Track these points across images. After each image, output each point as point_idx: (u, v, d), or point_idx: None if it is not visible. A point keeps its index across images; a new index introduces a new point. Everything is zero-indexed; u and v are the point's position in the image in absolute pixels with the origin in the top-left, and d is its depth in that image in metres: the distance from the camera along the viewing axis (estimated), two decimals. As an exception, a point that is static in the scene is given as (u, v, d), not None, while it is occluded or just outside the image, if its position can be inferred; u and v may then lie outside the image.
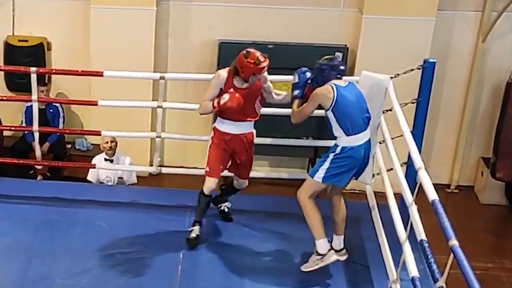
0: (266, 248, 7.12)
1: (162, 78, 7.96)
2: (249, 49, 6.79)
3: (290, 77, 8.84)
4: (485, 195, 11.01)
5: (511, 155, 10.28)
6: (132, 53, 10.43)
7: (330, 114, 6.35)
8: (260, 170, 11.06)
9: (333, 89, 6.32)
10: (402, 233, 6.03)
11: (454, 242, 4.91)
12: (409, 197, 5.82)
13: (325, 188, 6.51)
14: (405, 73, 7.45)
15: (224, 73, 6.86)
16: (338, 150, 6.39)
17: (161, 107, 8.02)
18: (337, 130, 6.38)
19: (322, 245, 6.50)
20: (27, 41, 10.95)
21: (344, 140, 6.37)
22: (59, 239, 6.95)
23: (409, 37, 10.36)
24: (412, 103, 7.50)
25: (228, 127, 6.92)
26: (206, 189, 7.01)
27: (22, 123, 10.42)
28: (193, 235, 7.01)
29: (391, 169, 6.56)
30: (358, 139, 6.39)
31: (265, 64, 6.73)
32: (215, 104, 6.75)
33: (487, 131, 10.93)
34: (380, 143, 7.03)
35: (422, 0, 10.46)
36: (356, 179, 6.67)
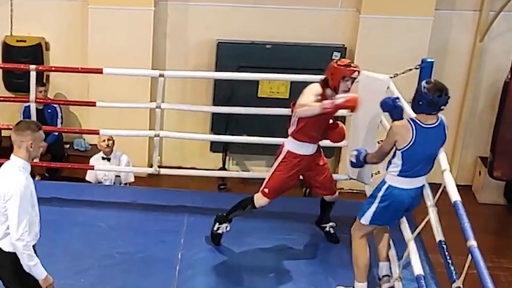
0: (264, 248, 7.13)
1: (161, 75, 7.97)
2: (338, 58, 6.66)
3: (287, 77, 8.92)
4: (483, 194, 11.03)
5: (509, 154, 10.29)
6: (130, 53, 10.43)
7: (398, 152, 5.89)
8: (257, 170, 11.10)
9: (412, 130, 5.80)
10: (407, 232, 6.10)
11: (472, 242, 4.98)
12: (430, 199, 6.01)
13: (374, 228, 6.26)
14: (403, 73, 7.47)
15: (317, 85, 6.48)
16: (384, 188, 6.02)
17: (159, 107, 8.02)
18: (394, 166, 5.95)
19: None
20: (25, 41, 10.95)
21: (394, 179, 5.98)
22: (57, 239, 6.96)
23: (407, 37, 10.37)
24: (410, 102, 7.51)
25: (303, 149, 6.63)
26: (258, 205, 6.81)
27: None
28: (219, 231, 6.99)
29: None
30: (411, 183, 5.98)
31: (355, 68, 6.36)
32: (328, 105, 6.24)
33: (485, 130, 10.94)
34: (378, 142, 7.03)
35: (419, 0, 10.46)
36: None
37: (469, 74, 10.98)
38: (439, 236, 5.67)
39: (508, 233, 10.59)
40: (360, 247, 6.24)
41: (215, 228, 6.98)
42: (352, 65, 6.38)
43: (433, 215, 5.83)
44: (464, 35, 10.90)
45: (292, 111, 6.59)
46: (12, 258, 5.19)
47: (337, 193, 7.03)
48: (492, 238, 10.22)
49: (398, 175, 5.92)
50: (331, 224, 7.19)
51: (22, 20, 10.98)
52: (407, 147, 5.80)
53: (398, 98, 6.28)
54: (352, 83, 6.41)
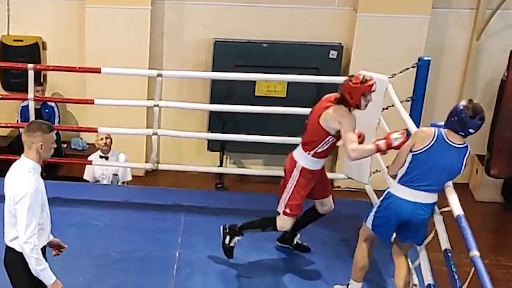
0: (261, 246, 7.13)
1: (159, 75, 7.98)
2: (350, 74, 6.41)
3: (284, 76, 8.92)
4: (480, 192, 11.04)
5: (506, 152, 10.31)
6: (127, 52, 10.43)
7: (409, 155, 5.82)
8: (254, 168, 11.11)
9: (433, 137, 5.76)
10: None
11: (475, 253, 5.04)
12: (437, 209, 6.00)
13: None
14: (401, 72, 7.48)
15: (342, 108, 6.25)
16: (385, 194, 5.99)
17: (157, 105, 8.02)
18: (401, 171, 5.89)
19: (354, 287, 6.31)
20: (22, 40, 10.94)
21: (396, 187, 5.91)
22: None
23: (403, 35, 10.38)
24: (407, 101, 7.53)
25: (319, 164, 6.48)
26: (280, 228, 6.63)
27: (18, 122, 10.41)
28: (232, 245, 6.79)
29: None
30: (412, 195, 5.83)
31: (371, 82, 6.21)
32: (384, 147, 6.08)
33: (482, 128, 10.92)
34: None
35: (416, -2, 10.50)
36: (398, 235, 6.16)
37: (465, 73, 10.99)
38: (444, 244, 5.73)
39: (505, 231, 10.61)
40: (361, 250, 6.21)
41: (226, 242, 6.78)
42: (367, 79, 6.21)
43: (439, 224, 5.88)
44: (460, 34, 10.91)
45: (317, 134, 6.36)
46: (24, 259, 5.13)
47: (331, 199, 6.84)
48: (489, 236, 10.23)
49: (399, 182, 5.86)
50: (298, 236, 7.05)
51: (19, 20, 10.98)
52: (420, 151, 5.73)
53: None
54: (372, 96, 6.26)
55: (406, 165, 5.80)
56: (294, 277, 6.71)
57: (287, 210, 6.49)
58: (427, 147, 5.71)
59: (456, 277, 5.41)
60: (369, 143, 6.34)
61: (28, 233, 5.05)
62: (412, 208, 5.82)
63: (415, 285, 6.22)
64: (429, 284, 5.83)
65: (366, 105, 6.23)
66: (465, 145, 5.78)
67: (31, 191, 5.06)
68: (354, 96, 6.16)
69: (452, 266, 5.50)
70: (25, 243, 5.06)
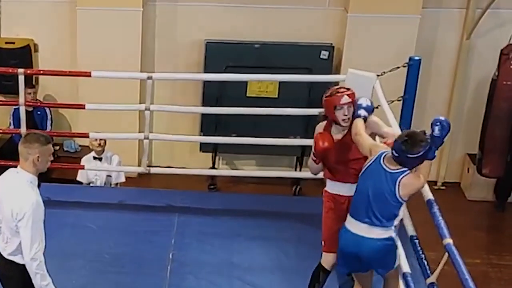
0: (254, 247, 7.15)
1: (149, 78, 7.97)
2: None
3: (276, 77, 8.95)
4: (472, 191, 11.06)
5: (497, 151, 10.33)
6: (119, 53, 10.43)
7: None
8: (248, 169, 11.13)
9: (377, 155, 5.45)
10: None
11: (448, 240, 5.01)
12: None
13: None
14: (390, 71, 7.51)
15: (322, 125, 5.99)
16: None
17: (148, 109, 8.02)
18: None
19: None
20: (13, 43, 10.92)
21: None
22: (47, 240, 6.90)
23: (394, 35, 10.40)
24: (398, 100, 7.56)
25: (339, 188, 5.96)
26: (326, 265, 6.09)
27: (10, 125, 10.40)
28: None
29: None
30: (352, 225, 5.55)
31: (342, 93, 5.73)
32: (312, 155, 5.91)
33: (473, 127, 10.97)
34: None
35: (407, -2, 10.52)
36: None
37: (456, 72, 11.02)
38: (410, 231, 5.72)
39: (497, 229, 10.63)
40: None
41: None
42: (339, 90, 5.78)
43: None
44: (451, 33, 10.93)
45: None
46: (23, 270, 5.09)
47: None
48: (481, 234, 10.25)
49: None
50: None
51: (11, 22, 10.96)
52: (365, 166, 5.50)
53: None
54: (348, 108, 5.77)
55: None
56: (289, 278, 6.73)
57: (323, 243, 6.11)
58: (367, 165, 5.48)
59: (425, 263, 5.38)
60: None
61: (34, 249, 5.00)
62: (355, 241, 5.53)
63: None
64: (404, 273, 5.72)
65: (347, 119, 5.77)
66: (399, 170, 5.32)
67: (34, 207, 4.97)
68: (327, 110, 5.84)
69: (420, 252, 5.48)
70: (32, 260, 5.01)
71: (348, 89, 5.81)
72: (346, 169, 5.87)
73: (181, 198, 8.10)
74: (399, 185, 5.29)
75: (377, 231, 5.43)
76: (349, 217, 5.56)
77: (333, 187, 6.01)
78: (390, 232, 5.45)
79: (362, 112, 5.75)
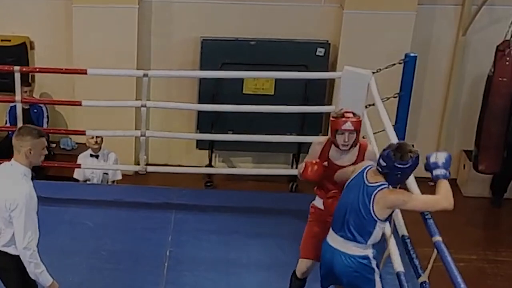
0: (251, 244, 7.17)
1: (145, 75, 7.98)
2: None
3: (272, 74, 8.96)
4: (468, 187, 11.07)
5: (493, 147, 10.34)
6: (115, 51, 10.42)
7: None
8: (244, 166, 11.13)
9: (360, 171, 5.39)
10: (387, 228, 6.10)
11: (437, 238, 5.03)
12: None
13: None
14: (386, 67, 7.52)
15: (321, 140, 5.92)
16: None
17: (145, 106, 8.03)
18: None
19: None
20: (9, 40, 10.90)
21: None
22: (44, 238, 6.91)
23: (390, 32, 10.40)
24: (394, 97, 7.57)
25: (320, 202, 6.03)
26: (298, 271, 6.13)
27: (6, 122, 10.40)
28: None
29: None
30: (330, 237, 5.53)
31: (348, 119, 5.55)
32: (298, 174, 5.86)
33: (469, 124, 10.99)
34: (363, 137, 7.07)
35: (402, -5, 10.53)
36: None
37: (452, 68, 11.03)
38: (402, 231, 5.73)
39: (493, 225, 10.65)
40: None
41: None
42: (346, 115, 5.59)
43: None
44: (446, 30, 10.94)
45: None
46: (17, 261, 5.15)
47: None
48: (477, 231, 10.27)
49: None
50: None
51: (6, 19, 10.94)
52: (350, 179, 5.46)
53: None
54: (350, 135, 5.62)
55: None
56: (285, 275, 6.72)
57: (300, 249, 6.12)
58: (351, 179, 5.42)
59: (417, 262, 5.39)
60: None
61: (27, 239, 5.05)
62: (331, 255, 5.49)
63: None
64: (398, 272, 5.73)
65: (345, 145, 5.65)
66: (376, 184, 5.24)
67: (27, 198, 5.04)
68: (330, 130, 5.73)
69: (412, 252, 5.49)
70: (25, 249, 5.07)
71: (354, 115, 5.63)
72: (340, 192, 5.69)
73: (178, 195, 8.11)
74: (373, 199, 5.22)
75: (352, 247, 5.38)
76: (330, 230, 5.54)
77: (321, 203, 6.02)
78: (367, 252, 5.40)
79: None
